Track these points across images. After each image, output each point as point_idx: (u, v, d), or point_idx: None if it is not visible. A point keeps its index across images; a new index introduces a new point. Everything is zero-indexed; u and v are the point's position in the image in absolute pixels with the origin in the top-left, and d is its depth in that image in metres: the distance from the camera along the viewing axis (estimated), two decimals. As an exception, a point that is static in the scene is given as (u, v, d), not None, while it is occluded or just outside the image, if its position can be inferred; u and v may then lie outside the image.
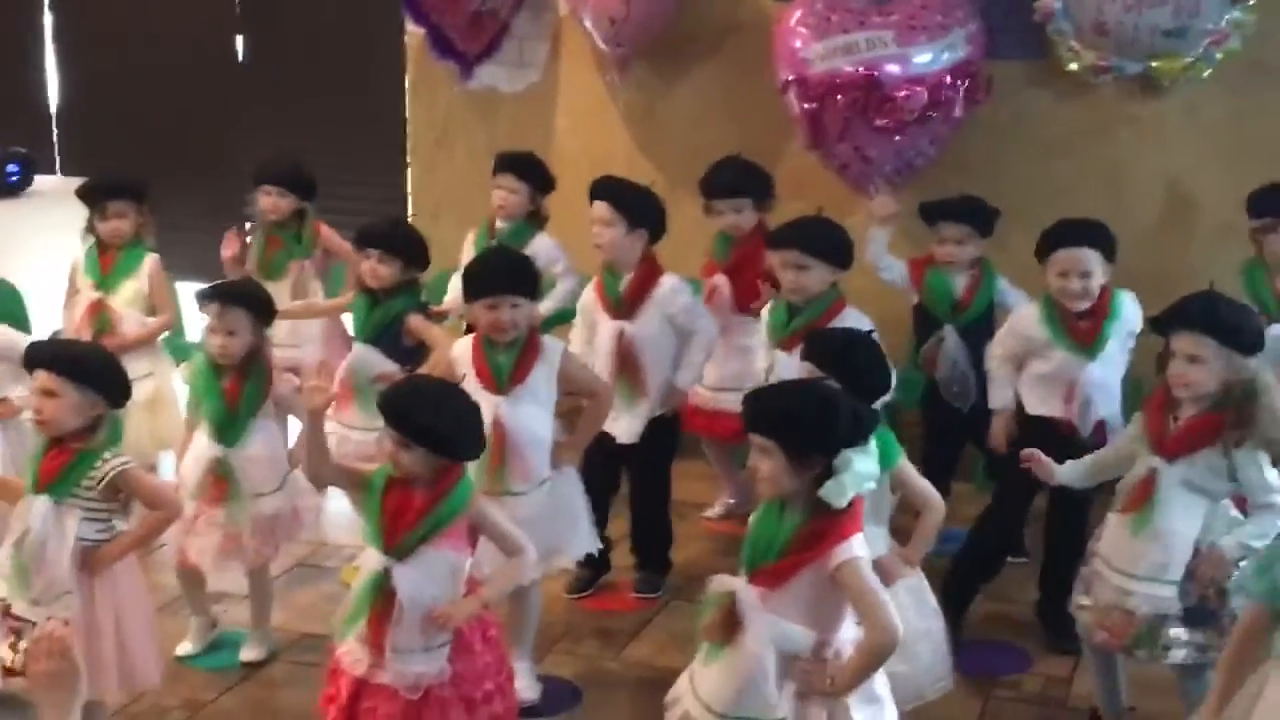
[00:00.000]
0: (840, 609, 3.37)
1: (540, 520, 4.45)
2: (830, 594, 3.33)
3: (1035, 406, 5.02)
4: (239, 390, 4.74)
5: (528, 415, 4.51)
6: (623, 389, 5.15)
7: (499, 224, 6.04)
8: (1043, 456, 4.36)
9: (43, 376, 4.01)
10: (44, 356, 4.06)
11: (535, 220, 6.03)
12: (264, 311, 4.84)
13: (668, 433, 5.40)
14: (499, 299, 4.50)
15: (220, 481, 4.70)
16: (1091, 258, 4.85)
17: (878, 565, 3.50)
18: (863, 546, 3.34)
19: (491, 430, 4.36)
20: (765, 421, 3.37)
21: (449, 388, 3.91)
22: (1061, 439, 4.79)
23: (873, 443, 3.40)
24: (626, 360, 5.18)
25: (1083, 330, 4.90)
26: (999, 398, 5.14)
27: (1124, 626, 4.09)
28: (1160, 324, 4.14)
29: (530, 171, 6.02)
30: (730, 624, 3.36)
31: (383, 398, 3.81)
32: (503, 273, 4.59)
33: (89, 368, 4.03)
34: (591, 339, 5.29)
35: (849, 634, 3.39)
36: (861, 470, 3.30)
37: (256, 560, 4.85)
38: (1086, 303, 4.88)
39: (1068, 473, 4.38)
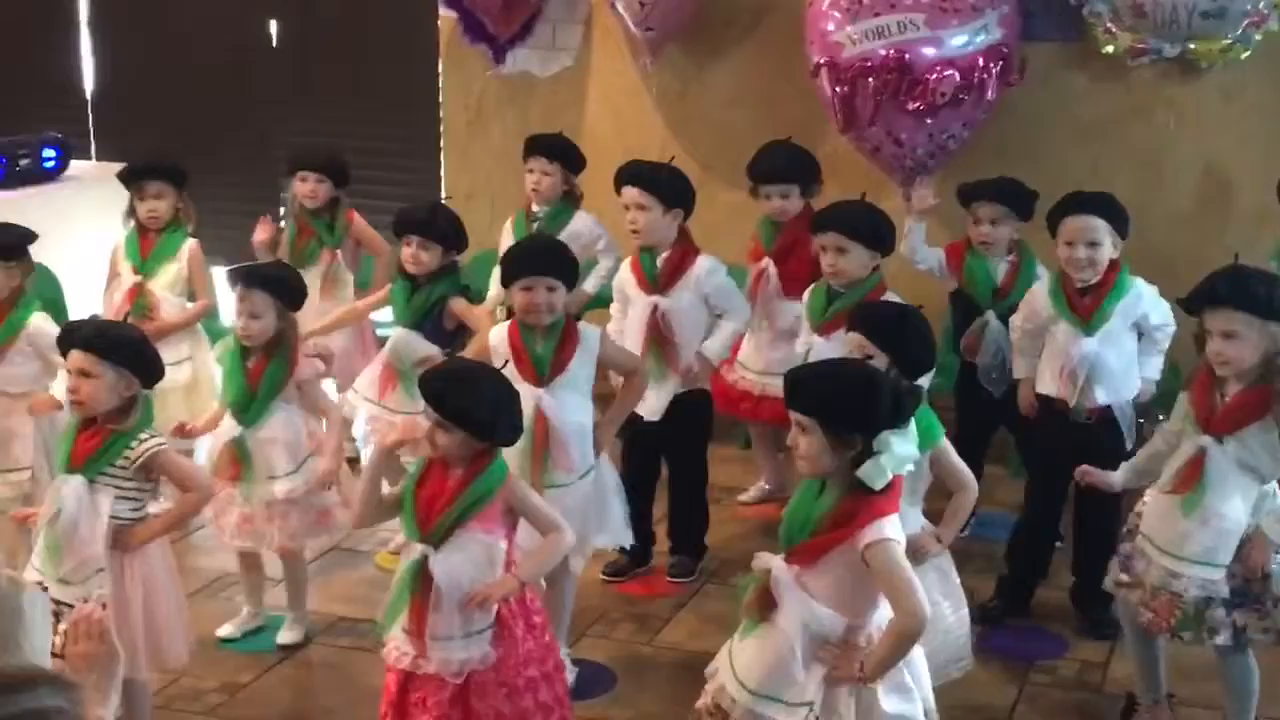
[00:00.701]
0: (874, 592, 3.35)
1: (580, 511, 4.46)
2: (863, 576, 3.31)
3: (1044, 385, 5.01)
4: (261, 372, 4.76)
5: (570, 406, 4.53)
6: (653, 363, 5.14)
7: (535, 207, 6.04)
8: (1095, 470, 4.33)
9: (78, 357, 4.02)
10: (79, 338, 4.08)
11: (571, 200, 6.03)
12: (289, 296, 4.84)
13: (699, 413, 5.38)
14: (535, 280, 4.51)
15: (236, 461, 4.73)
16: (1099, 226, 4.81)
17: (910, 542, 3.47)
18: (896, 529, 3.32)
19: (534, 423, 4.37)
20: (806, 398, 3.37)
21: (488, 371, 3.91)
22: (1060, 418, 4.81)
23: (912, 425, 3.39)
24: (659, 334, 5.18)
25: (1084, 305, 4.87)
26: (1023, 366, 5.16)
27: (1170, 609, 4.05)
28: (1191, 304, 4.10)
29: (561, 152, 6.02)
30: (767, 601, 3.37)
31: (423, 379, 3.83)
32: (539, 255, 4.62)
33: (123, 347, 4.05)
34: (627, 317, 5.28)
35: (883, 620, 3.38)
36: (900, 452, 3.28)
37: (273, 542, 4.85)
38: (1092, 274, 4.84)
39: (1123, 478, 4.34)
